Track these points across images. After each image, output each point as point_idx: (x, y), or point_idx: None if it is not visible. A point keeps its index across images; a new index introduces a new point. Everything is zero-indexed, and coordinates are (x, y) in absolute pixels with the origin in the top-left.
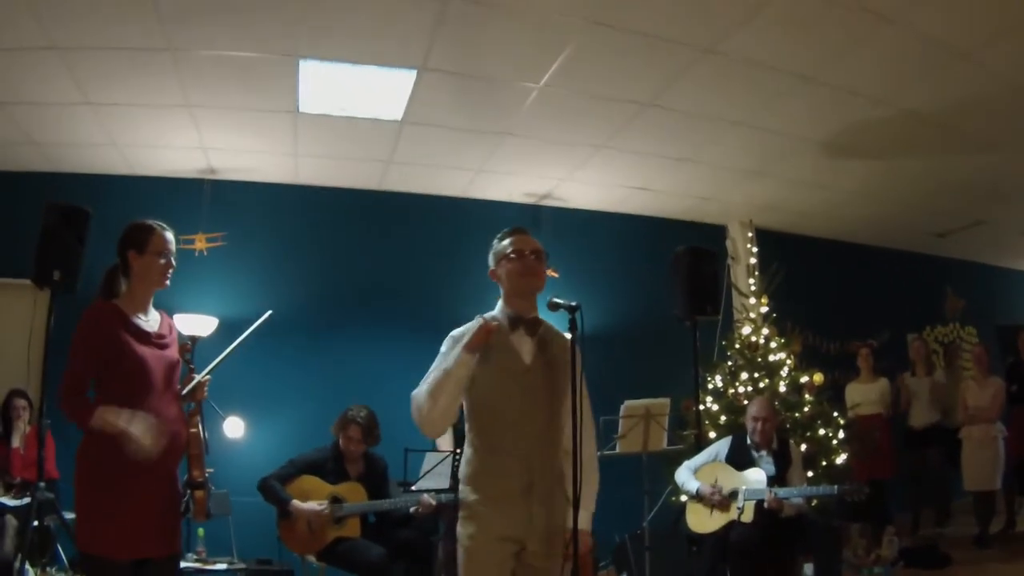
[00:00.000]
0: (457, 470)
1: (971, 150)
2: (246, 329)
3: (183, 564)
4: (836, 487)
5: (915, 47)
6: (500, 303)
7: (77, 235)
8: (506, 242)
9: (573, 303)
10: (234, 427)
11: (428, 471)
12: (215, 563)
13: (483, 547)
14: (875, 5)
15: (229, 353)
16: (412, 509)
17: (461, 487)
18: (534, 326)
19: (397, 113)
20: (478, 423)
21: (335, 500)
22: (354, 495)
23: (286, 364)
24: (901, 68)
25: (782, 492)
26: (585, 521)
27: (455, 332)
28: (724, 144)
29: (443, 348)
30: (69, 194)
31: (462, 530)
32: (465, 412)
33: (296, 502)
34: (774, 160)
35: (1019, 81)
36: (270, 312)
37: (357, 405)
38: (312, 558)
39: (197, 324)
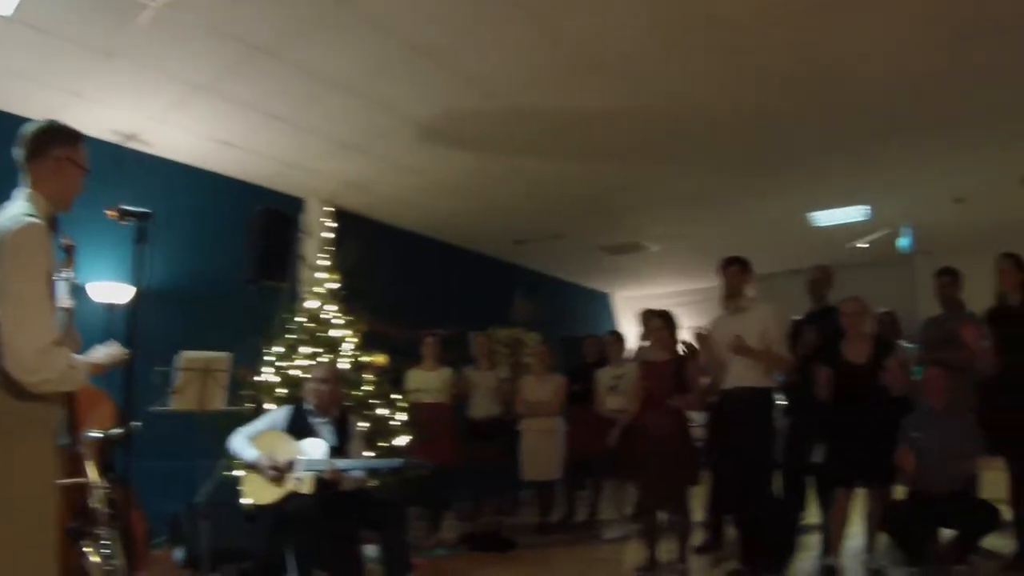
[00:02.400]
0: None
1: (561, 162)
2: None
3: None
4: (401, 460)
5: (548, 46)
6: (36, 196)
7: None
8: (83, 148)
9: (146, 210)
10: None
11: None
12: None
13: None
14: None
15: None
16: None
17: None
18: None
19: (9, 8)
20: None
21: None
22: None
23: None
24: (521, 63)
25: (341, 464)
26: None
27: None
28: (326, 109)
29: None
30: None
31: None
32: None
33: None
34: (372, 135)
35: (635, 100)
36: None
37: None
38: None
39: None
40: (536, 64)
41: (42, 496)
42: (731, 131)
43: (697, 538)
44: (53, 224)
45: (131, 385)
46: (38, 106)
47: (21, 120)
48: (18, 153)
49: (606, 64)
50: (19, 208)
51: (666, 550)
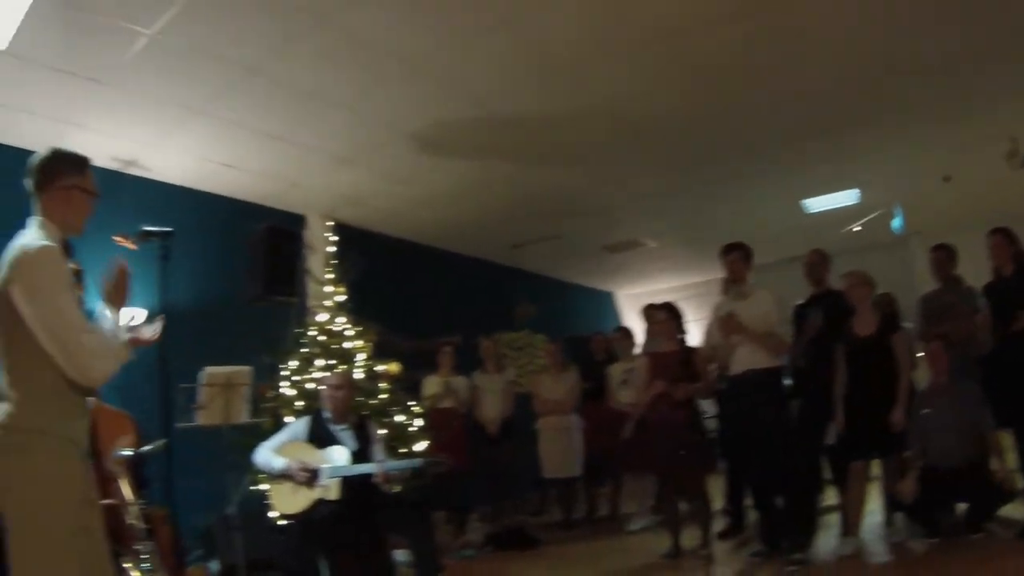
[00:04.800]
0: None
1: (556, 163)
2: None
3: None
4: (419, 460)
5: (524, 52)
6: (46, 224)
7: None
8: (91, 175)
9: (167, 229)
10: None
11: None
12: None
13: None
14: (493, 4)
15: None
16: None
17: None
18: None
19: (3, 42)
20: None
21: None
22: None
23: None
24: (505, 72)
25: (375, 466)
26: None
27: None
28: (319, 125)
29: None
30: None
31: None
32: None
33: None
34: (368, 149)
35: (613, 104)
36: None
37: None
38: None
39: None
40: (514, 72)
41: (71, 510)
42: (710, 125)
43: (719, 525)
44: (66, 248)
45: (166, 402)
46: (33, 137)
47: (16, 152)
48: (27, 183)
49: (578, 68)
50: (32, 235)
51: (689, 537)
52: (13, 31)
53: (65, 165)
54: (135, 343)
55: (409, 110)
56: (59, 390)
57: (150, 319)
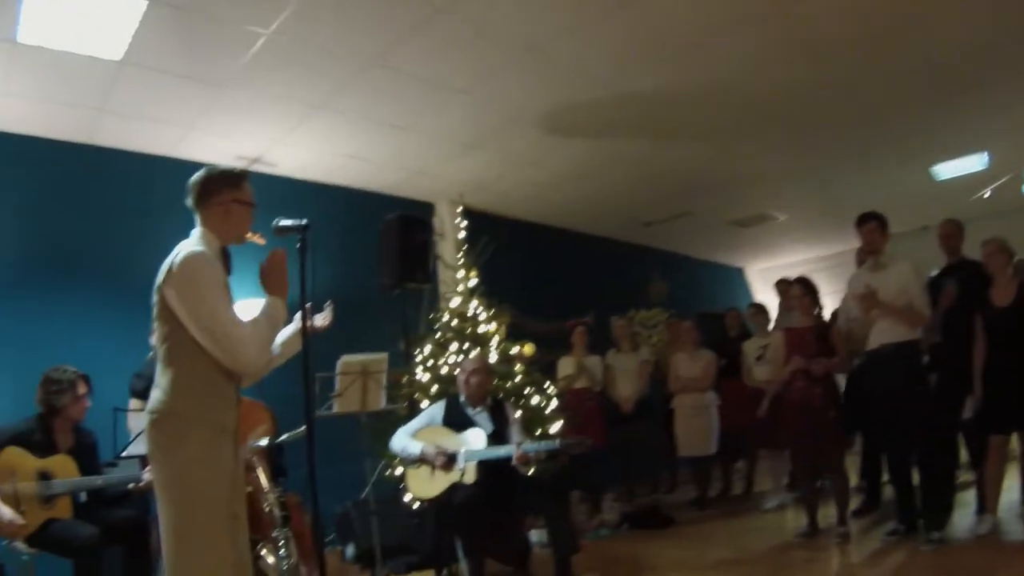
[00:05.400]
0: None
1: (685, 140)
2: None
3: None
4: (558, 442)
5: (644, 32)
6: (205, 233)
7: None
8: (247, 186)
9: (303, 222)
10: None
11: (139, 434)
12: None
13: None
14: None
15: None
16: (131, 486)
17: None
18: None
19: (118, 52)
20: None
21: (44, 476)
22: (64, 470)
23: None
24: (629, 52)
25: (525, 447)
26: None
27: None
28: (444, 112)
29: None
30: None
31: None
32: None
33: None
34: (493, 134)
35: (739, 78)
36: None
37: (59, 367)
38: (22, 544)
39: None
40: (636, 52)
41: (222, 495)
42: (834, 97)
43: (854, 502)
44: (225, 256)
45: (308, 391)
46: (158, 143)
47: (143, 158)
48: (187, 201)
49: (699, 45)
50: (188, 243)
51: (824, 515)
52: (128, 41)
53: (219, 183)
54: (311, 331)
55: (532, 94)
56: (211, 379)
57: (318, 308)
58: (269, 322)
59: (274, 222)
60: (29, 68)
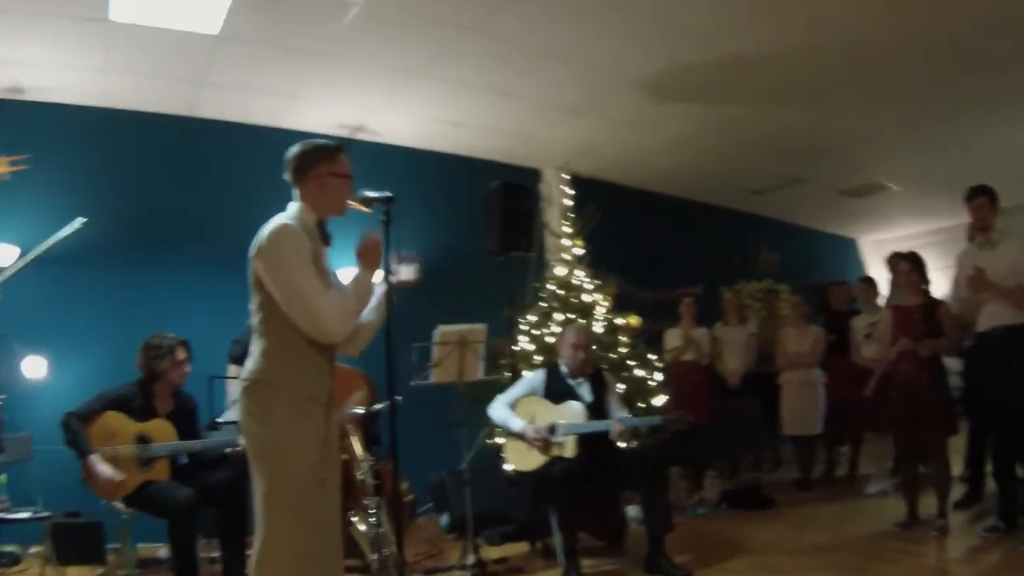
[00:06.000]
0: None
1: (793, 102)
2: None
3: None
4: (660, 417)
5: None
6: (303, 207)
7: None
8: (342, 158)
9: (388, 194)
10: (35, 367)
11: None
12: (18, 512)
13: None
14: None
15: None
16: (227, 450)
17: None
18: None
19: (215, 27)
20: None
21: (142, 440)
22: (162, 434)
23: (89, 298)
24: (731, 11)
25: (625, 421)
26: None
27: None
28: (547, 77)
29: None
30: None
31: None
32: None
33: (94, 459)
34: (596, 97)
35: (848, 34)
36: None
37: (160, 333)
38: (120, 504)
39: None
40: (741, 10)
41: (306, 462)
42: (947, 51)
43: (957, 492)
44: (323, 228)
45: (391, 361)
46: (260, 113)
47: (247, 128)
48: (285, 175)
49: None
50: (280, 216)
51: (926, 504)
52: (223, 15)
53: (313, 156)
54: (400, 285)
55: (637, 56)
56: (300, 349)
57: (407, 262)
58: (356, 295)
59: (358, 193)
60: (127, 45)
